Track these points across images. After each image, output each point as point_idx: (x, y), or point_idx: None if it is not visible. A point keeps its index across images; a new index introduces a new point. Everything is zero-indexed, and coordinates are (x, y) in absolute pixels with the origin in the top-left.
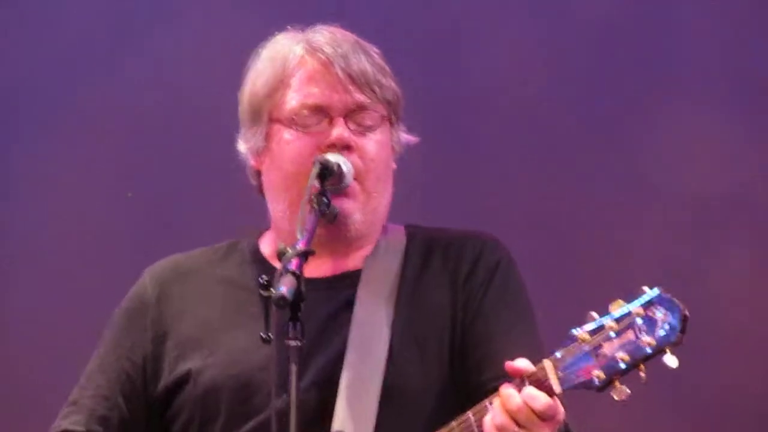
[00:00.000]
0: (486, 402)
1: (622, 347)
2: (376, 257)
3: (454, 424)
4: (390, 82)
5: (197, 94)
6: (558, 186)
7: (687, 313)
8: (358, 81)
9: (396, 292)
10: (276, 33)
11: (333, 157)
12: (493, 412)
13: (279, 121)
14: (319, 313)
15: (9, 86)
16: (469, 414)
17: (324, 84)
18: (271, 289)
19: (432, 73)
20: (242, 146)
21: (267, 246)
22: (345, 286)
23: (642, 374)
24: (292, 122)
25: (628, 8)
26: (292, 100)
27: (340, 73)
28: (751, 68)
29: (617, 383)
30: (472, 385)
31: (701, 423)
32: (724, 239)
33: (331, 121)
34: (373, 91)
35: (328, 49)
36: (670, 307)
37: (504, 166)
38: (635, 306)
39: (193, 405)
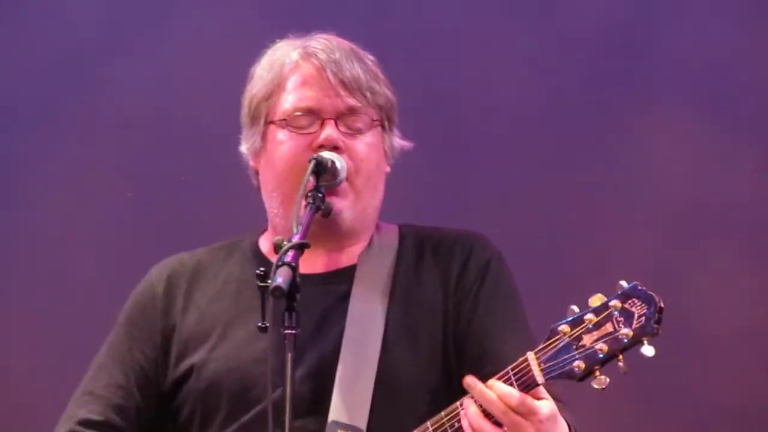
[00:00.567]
0: (457, 404)
1: (600, 339)
2: (370, 254)
3: (428, 424)
4: (383, 89)
5: (201, 97)
6: (547, 189)
7: (662, 305)
8: (350, 86)
9: (389, 288)
10: (277, 39)
11: (327, 155)
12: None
13: (274, 122)
14: (315, 308)
15: (10, 86)
16: (442, 414)
17: (317, 88)
18: (268, 280)
19: (430, 77)
20: (243, 147)
21: (266, 243)
22: (339, 281)
23: (621, 364)
24: (285, 123)
25: (618, 16)
26: (287, 102)
27: (332, 78)
28: (734, 74)
29: (597, 373)
30: None
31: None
32: (708, 242)
33: (323, 123)
34: (365, 96)
35: (322, 55)
36: (646, 299)
37: (495, 168)
38: (613, 299)
39: (195, 398)
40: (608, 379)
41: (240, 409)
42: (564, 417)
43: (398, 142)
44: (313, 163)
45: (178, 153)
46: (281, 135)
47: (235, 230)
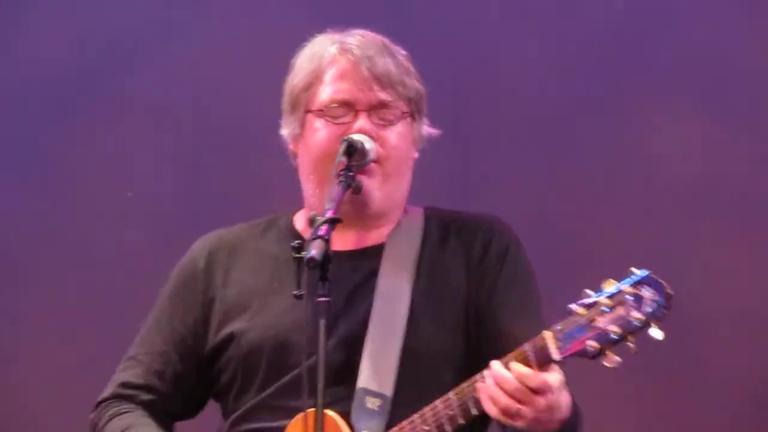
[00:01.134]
0: (477, 376)
1: (613, 321)
2: (398, 234)
3: (451, 394)
4: (413, 82)
5: (241, 82)
6: (548, 179)
7: (671, 292)
8: (382, 80)
9: (415, 266)
10: (316, 34)
11: (357, 136)
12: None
13: (312, 111)
14: (346, 283)
15: (60, 77)
16: (464, 385)
17: (352, 82)
18: (303, 252)
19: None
20: (284, 131)
21: (300, 221)
22: (368, 258)
23: (631, 345)
24: (322, 113)
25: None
26: (324, 93)
27: (365, 72)
28: (725, 65)
29: (609, 352)
30: (487, 354)
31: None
32: (703, 224)
33: (356, 115)
34: (395, 90)
35: (357, 51)
36: (656, 286)
37: (503, 158)
38: (625, 285)
39: (237, 363)
40: (619, 358)
41: (277, 373)
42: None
43: (426, 129)
44: (345, 144)
45: (219, 136)
46: (318, 123)
47: (269, 209)
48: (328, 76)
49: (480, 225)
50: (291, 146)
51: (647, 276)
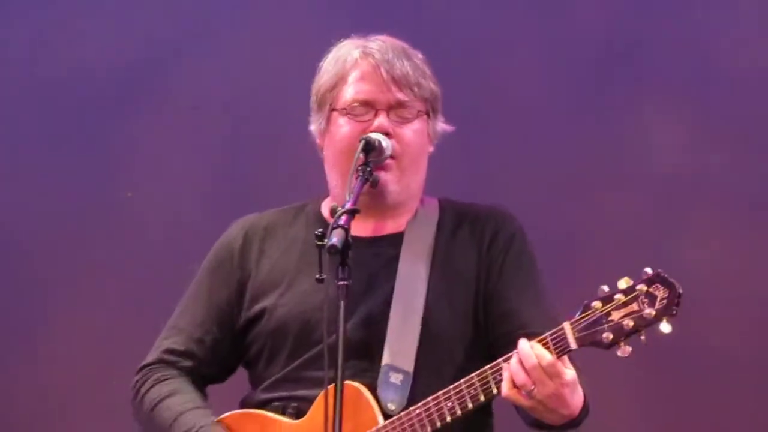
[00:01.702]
0: (501, 359)
1: (627, 315)
2: (415, 223)
3: (474, 375)
4: (428, 83)
5: (276, 82)
6: (548, 179)
7: (681, 291)
8: (400, 82)
9: (431, 254)
10: (341, 39)
11: (375, 135)
12: (511, 369)
13: (336, 109)
14: (366, 267)
15: (99, 76)
16: (486, 367)
17: (373, 83)
18: (325, 240)
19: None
20: (312, 127)
21: (326, 209)
22: (388, 245)
23: (642, 338)
24: (345, 112)
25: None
26: (347, 94)
27: (385, 75)
28: (712, 64)
29: (622, 344)
30: (493, 336)
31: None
32: (691, 219)
33: (376, 113)
34: (412, 91)
35: (377, 55)
36: (668, 285)
37: (503, 154)
38: (640, 283)
39: (265, 336)
40: (631, 349)
41: (302, 349)
42: (582, 389)
43: (441, 126)
44: (363, 142)
45: (252, 133)
46: (341, 120)
47: (299, 195)
48: (351, 77)
49: (490, 215)
50: (318, 140)
51: (660, 276)
